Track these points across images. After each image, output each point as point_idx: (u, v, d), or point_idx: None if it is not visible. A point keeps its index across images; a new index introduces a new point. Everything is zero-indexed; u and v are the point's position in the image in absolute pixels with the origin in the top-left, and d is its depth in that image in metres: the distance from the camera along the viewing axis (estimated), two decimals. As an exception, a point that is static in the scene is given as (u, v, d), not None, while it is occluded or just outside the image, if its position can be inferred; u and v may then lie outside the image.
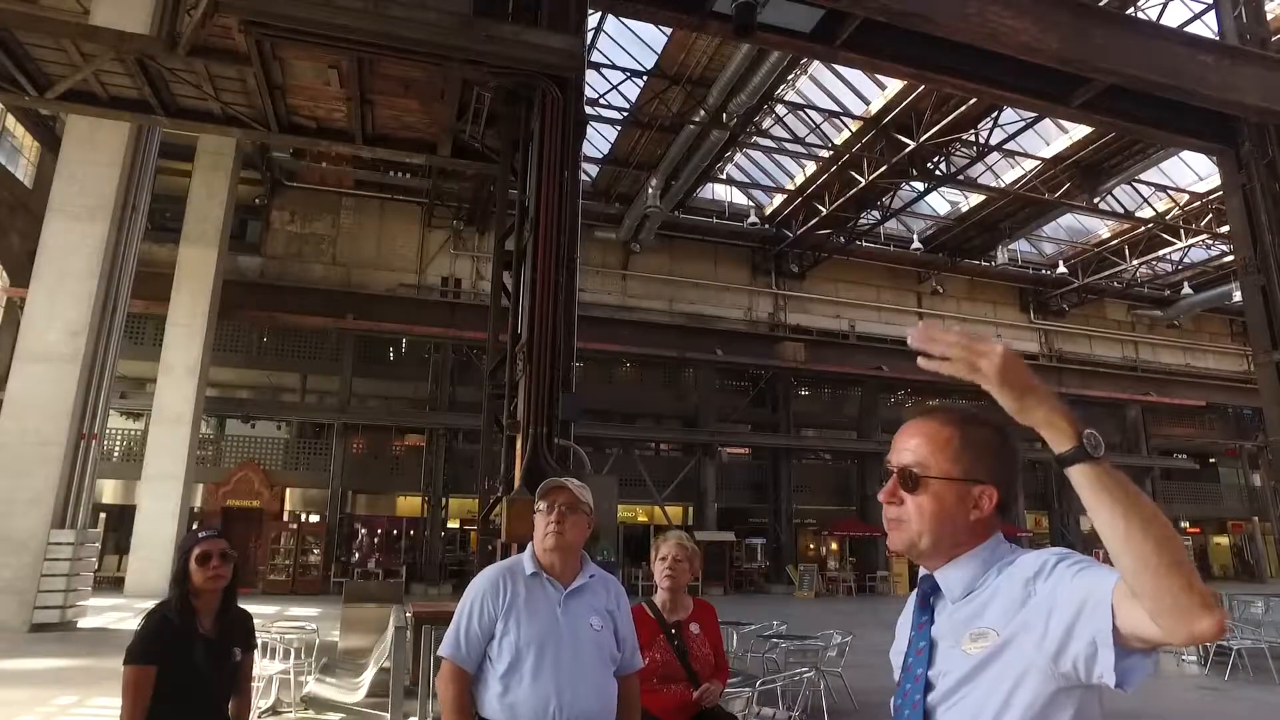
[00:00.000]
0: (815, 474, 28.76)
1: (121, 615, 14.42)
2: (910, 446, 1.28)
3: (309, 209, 25.44)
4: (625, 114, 21.43)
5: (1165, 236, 26.37)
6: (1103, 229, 28.76)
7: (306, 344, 23.81)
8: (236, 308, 21.67)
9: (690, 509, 26.18)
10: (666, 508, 24.56)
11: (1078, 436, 1.04)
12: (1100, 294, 31.83)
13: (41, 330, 12.97)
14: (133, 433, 21.83)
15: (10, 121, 19.76)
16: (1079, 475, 1.04)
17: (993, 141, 20.60)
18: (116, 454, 21.13)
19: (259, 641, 2.80)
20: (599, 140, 23.51)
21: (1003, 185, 24.18)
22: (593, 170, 25.10)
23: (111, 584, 18.24)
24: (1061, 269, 29.52)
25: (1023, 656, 1.16)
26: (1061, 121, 20.72)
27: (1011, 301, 32.60)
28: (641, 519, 25.85)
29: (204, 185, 20.74)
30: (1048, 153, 22.80)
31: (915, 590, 1.35)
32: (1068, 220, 28.54)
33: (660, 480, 24.74)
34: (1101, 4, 13.11)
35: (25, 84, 9.55)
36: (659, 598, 3.12)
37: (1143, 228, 26.30)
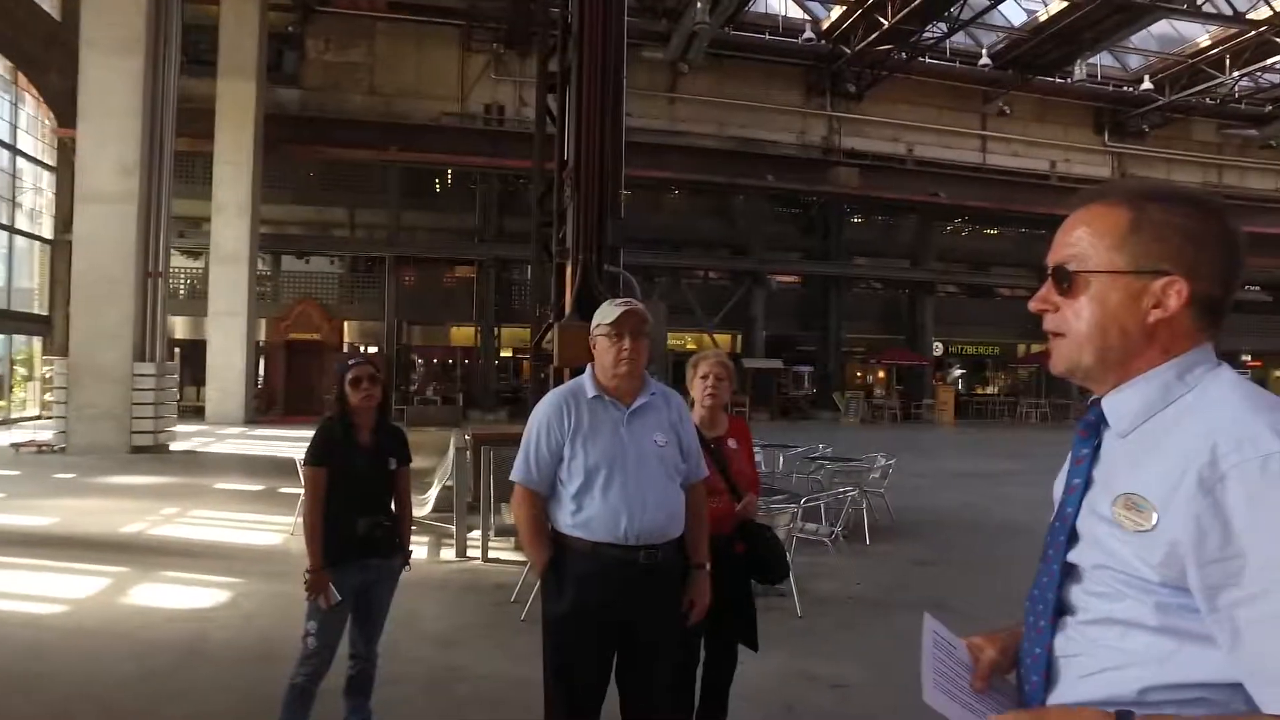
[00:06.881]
0: (866, 302, 28.48)
1: (206, 440, 15.55)
2: (1071, 239, 1.00)
3: (343, 36, 24.56)
4: (671, -85, 19.65)
5: (1277, 41, 23.86)
6: (1203, 36, 26.09)
7: (352, 177, 23.71)
8: (281, 142, 21.45)
9: (739, 337, 26.41)
10: (715, 335, 24.80)
11: None
12: (1187, 113, 29.52)
13: (94, 171, 13.17)
14: (195, 271, 22.50)
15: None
16: None
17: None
18: (182, 291, 21.89)
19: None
20: (643, -52, 21.76)
21: (1089, -14, 21.94)
22: (637, -17, 23.43)
23: (194, 412, 19.45)
24: (1146, 85, 27.21)
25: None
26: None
27: (1085, 123, 30.48)
28: (690, 346, 26.18)
29: (233, 13, 19.99)
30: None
31: (1080, 419, 1.05)
32: (1161, 28, 25.97)
33: (709, 308, 24.84)
34: None
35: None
36: (696, 414, 3.15)
37: (1253, 32, 23.85)
